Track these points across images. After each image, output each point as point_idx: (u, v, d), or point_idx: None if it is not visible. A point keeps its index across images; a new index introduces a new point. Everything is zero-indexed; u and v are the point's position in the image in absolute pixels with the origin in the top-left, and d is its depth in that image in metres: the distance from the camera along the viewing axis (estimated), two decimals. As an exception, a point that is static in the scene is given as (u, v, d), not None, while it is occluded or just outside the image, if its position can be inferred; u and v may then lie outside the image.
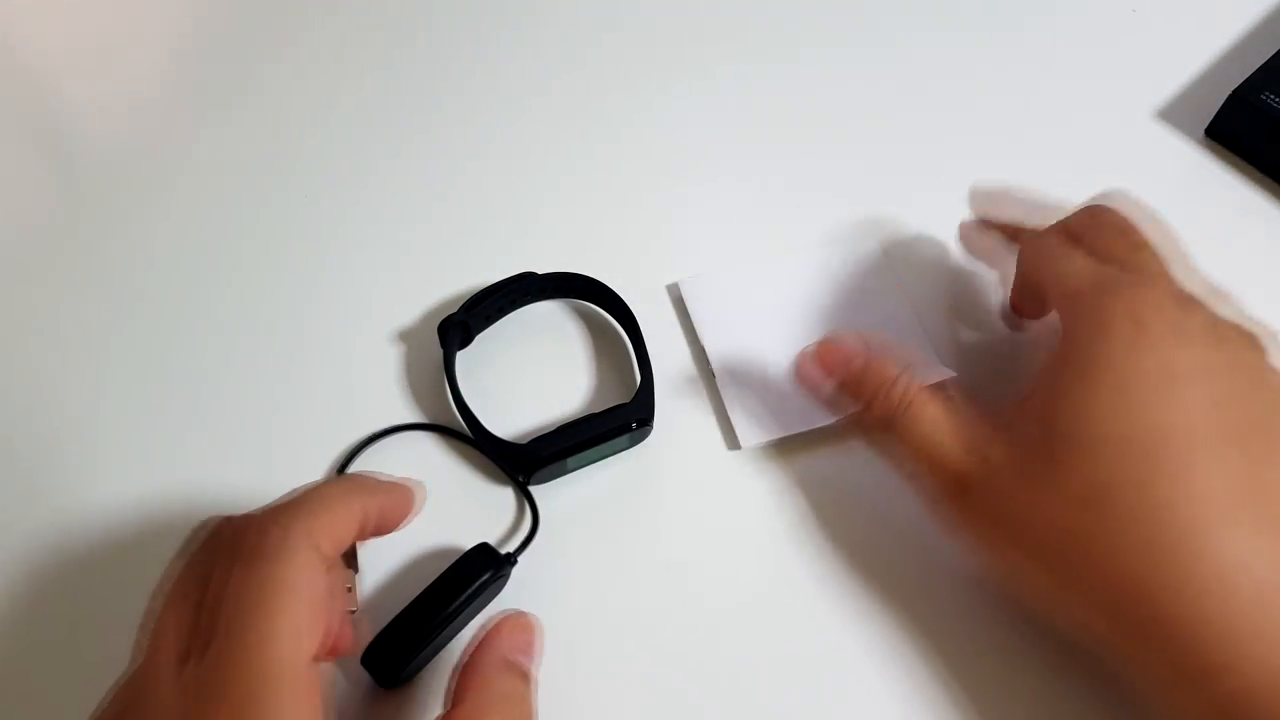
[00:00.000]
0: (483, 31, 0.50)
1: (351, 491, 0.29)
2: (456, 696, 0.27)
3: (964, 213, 0.39)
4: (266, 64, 0.49)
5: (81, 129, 0.47)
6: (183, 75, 0.49)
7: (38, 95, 0.49)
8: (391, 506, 0.30)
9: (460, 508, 0.36)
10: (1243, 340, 0.30)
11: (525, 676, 0.28)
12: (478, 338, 0.40)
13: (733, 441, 0.37)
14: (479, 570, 0.33)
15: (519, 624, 0.29)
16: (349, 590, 0.30)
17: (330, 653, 0.27)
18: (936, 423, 0.32)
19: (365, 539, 0.30)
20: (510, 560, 0.34)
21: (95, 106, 0.48)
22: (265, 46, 0.50)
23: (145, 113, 0.48)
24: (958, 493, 0.31)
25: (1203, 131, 0.46)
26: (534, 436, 0.36)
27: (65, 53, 0.50)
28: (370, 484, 0.30)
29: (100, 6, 0.51)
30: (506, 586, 0.34)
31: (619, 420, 0.36)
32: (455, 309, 0.39)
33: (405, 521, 0.31)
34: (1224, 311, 0.31)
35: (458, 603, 0.32)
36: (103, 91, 0.48)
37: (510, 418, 0.38)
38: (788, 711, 0.32)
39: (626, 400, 0.36)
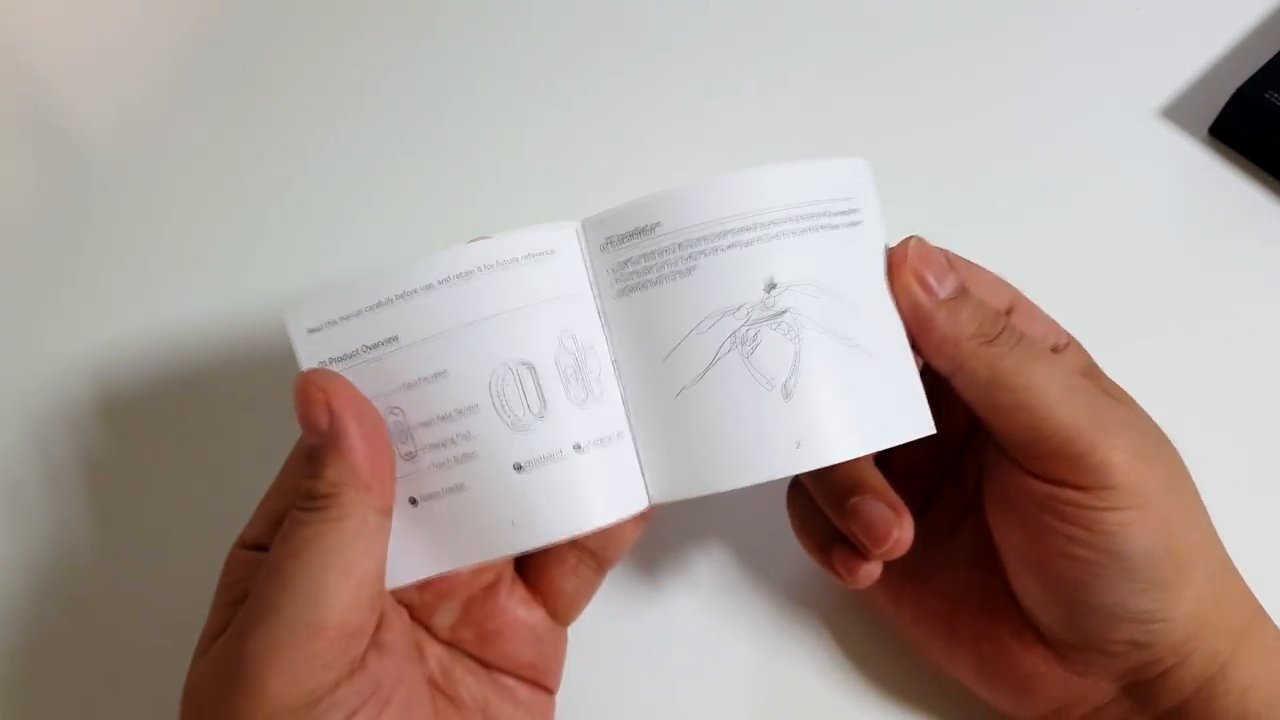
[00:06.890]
0: (482, 30, 0.50)
1: None
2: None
3: (964, 220, 0.38)
4: (265, 63, 0.49)
5: (79, 127, 0.47)
6: (181, 72, 0.49)
7: (38, 92, 0.49)
8: None
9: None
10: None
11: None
12: (475, 339, 0.39)
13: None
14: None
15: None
16: None
17: None
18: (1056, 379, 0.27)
19: None
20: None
21: (93, 104, 0.48)
22: (263, 45, 0.50)
23: (143, 109, 0.47)
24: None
25: (1206, 130, 0.45)
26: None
27: (65, 51, 0.50)
28: None
29: (100, 5, 0.51)
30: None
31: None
32: (453, 310, 0.39)
33: None
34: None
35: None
36: (101, 89, 0.48)
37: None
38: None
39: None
